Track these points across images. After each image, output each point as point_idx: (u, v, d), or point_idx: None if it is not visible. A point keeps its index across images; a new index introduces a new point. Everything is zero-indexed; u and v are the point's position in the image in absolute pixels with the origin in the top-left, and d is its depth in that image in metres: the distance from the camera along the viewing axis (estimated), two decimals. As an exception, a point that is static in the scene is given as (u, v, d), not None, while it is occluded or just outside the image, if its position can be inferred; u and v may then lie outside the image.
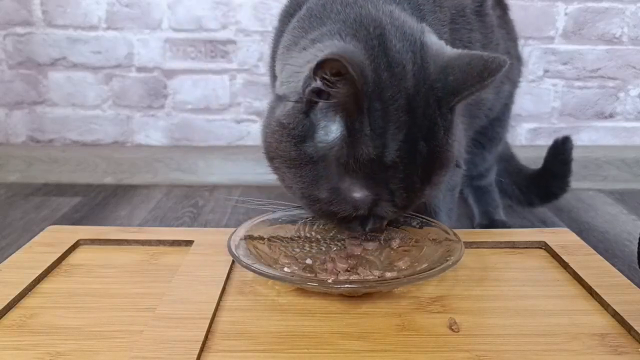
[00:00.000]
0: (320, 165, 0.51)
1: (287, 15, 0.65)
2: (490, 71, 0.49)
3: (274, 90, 0.72)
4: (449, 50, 0.53)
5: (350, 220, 0.55)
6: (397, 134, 0.49)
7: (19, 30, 1.24)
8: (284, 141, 0.52)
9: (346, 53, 0.46)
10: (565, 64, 1.27)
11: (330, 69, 0.46)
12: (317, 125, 0.50)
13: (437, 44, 0.54)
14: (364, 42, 0.51)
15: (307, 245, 0.63)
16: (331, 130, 0.50)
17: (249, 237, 0.60)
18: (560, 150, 0.94)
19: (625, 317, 0.48)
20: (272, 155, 0.55)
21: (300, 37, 0.57)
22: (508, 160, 1.02)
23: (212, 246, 0.63)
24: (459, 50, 0.53)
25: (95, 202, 1.11)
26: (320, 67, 0.46)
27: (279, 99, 0.55)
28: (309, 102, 0.50)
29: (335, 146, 0.49)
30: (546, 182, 0.97)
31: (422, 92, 0.50)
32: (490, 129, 0.86)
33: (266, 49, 1.25)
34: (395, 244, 0.61)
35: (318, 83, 0.47)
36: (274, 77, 0.70)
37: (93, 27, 1.24)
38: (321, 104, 0.49)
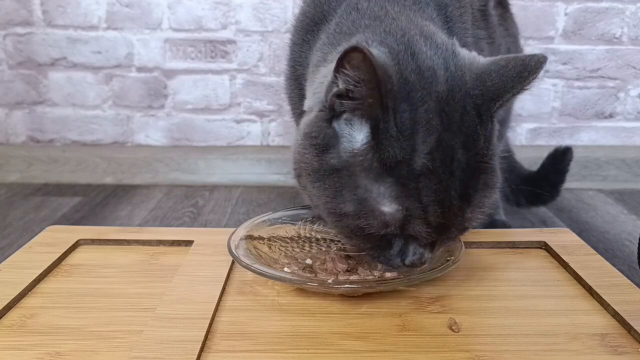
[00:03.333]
0: (345, 175, 0.47)
1: (311, 24, 0.63)
2: (531, 69, 0.47)
3: (292, 101, 0.71)
4: (482, 59, 0.51)
5: (385, 247, 0.50)
6: (428, 138, 0.46)
7: (19, 30, 1.24)
8: (307, 153, 0.50)
9: (368, 46, 0.45)
10: (565, 64, 1.27)
11: (351, 62, 0.44)
12: (341, 133, 0.48)
13: (469, 54, 0.52)
14: (390, 47, 0.49)
15: (307, 245, 0.63)
16: (356, 137, 0.47)
17: (249, 237, 0.60)
18: (560, 160, 0.94)
19: (625, 317, 0.48)
20: (299, 171, 0.52)
21: (329, 52, 0.56)
22: (505, 157, 1.02)
23: (212, 246, 0.63)
24: (492, 57, 0.51)
25: (95, 202, 1.11)
26: (342, 61, 0.44)
27: (306, 113, 0.54)
28: (332, 109, 0.48)
29: (360, 153, 0.47)
30: (538, 186, 0.97)
31: (457, 98, 0.48)
32: None
33: (266, 49, 1.25)
34: None
35: (340, 84, 0.46)
36: (295, 88, 0.68)
37: (93, 27, 1.24)
38: (346, 114, 0.48)
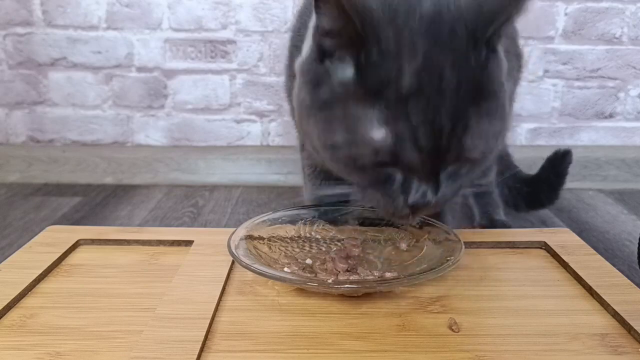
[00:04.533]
0: (336, 107, 0.48)
1: (302, 25, 0.65)
2: None
3: (288, 88, 0.72)
4: None
5: (383, 182, 0.49)
6: (413, 58, 0.46)
7: (19, 30, 1.24)
8: (301, 90, 0.51)
9: None
10: (565, 64, 1.27)
11: (325, 2, 0.45)
12: (331, 69, 0.49)
13: None
14: None
15: (307, 245, 0.63)
16: (345, 70, 0.48)
17: (249, 237, 0.60)
18: (559, 162, 0.94)
19: (625, 317, 0.48)
20: (296, 112, 0.54)
21: None
22: (503, 158, 1.02)
23: (212, 246, 0.63)
24: None
25: (95, 202, 1.11)
26: (317, 2, 0.46)
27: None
28: (321, 47, 0.49)
29: (349, 84, 0.48)
30: (537, 189, 0.97)
31: (445, 19, 0.47)
32: None
33: (266, 49, 1.25)
34: (403, 245, 0.61)
35: (322, 22, 0.48)
36: (291, 76, 0.69)
37: (93, 27, 1.24)
38: (335, 51, 0.49)
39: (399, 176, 0.49)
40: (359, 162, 0.48)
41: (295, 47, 0.67)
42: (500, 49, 0.52)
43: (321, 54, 0.50)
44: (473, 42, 0.48)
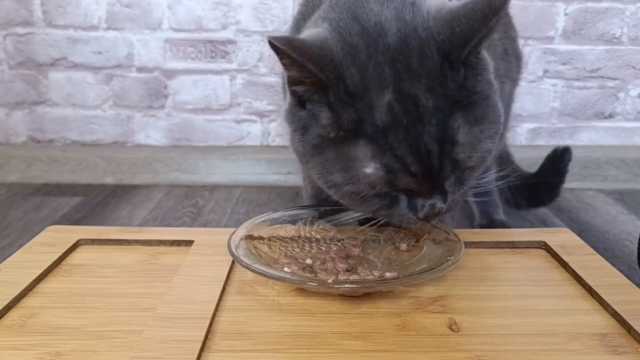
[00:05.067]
0: (325, 150, 0.50)
1: (301, 19, 0.65)
2: (494, 9, 0.45)
3: (284, 94, 0.73)
4: (452, 4, 0.50)
5: (391, 205, 0.51)
6: (382, 93, 0.47)
7: (19, 30, 1.24)
8: (293, 139, 0.53)
9: (277, 36, 0.46)
10: (565, 64, 1.27)
11: (278, 53, 0.46)
12: (313, 113, 0.50)
13: (437, 2, 0.52)
14: (331, 20, 0.51)
15: (307, 245, 0.63)
16: (322, 114, 0.49)
17: (249, 237, 0.60)
18: (559, 160, 0.94)
19: (625, 317, 0.48)
20: (299, 161, 0.55)
21: None
22: (503, 159, 1.02)
23: (212, 246, 0.63)
24: (463, 1, 0.50)
25: (95, 202, 1.11)
26: (275, 53, 0.47)
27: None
28: (296, 95, 0.51)
29: (329, 127, 0.49)
30: (537, 187, 0.97)
31: (412, 46, 0.48)
32: None
33: (266, 49, 1.25)
34: (403, 246, 0.61)
35: (289, 71, 0.49)
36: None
37: (93, 27, 1.24)
38: (311, 96, 0.50)
39: (403, 197, 0.51)
40: (361, 195, 0.50)
41: None
42: (484, 52, 0.52)
43: (300, 101, 0.51)
44: (448, 63, 0.48)
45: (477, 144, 0.49)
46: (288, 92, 0.54)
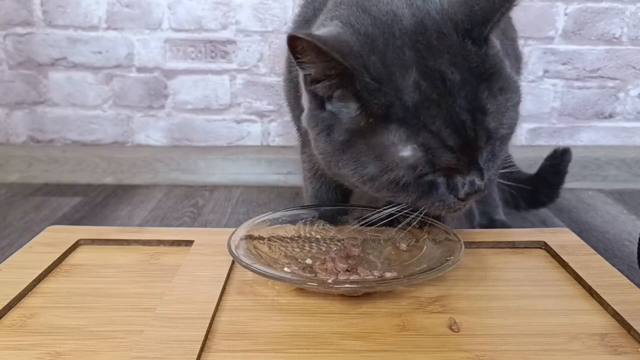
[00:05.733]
0: (356, 144, 0.50)
1: (303, 23, 0.65)
2: None
3: (289, 102, 0.72)
4: None
5: (431, 191, 0.51)
6: (407, 73, 0.47)
7: (19, 30, 1.24)
8: (319, 143, 0.53)
9: (298, 32, 0.47)
10: (565, 64, 1.27)
11: (296, 49, 0.47)
12: (336, 112, 0.50)
13: None
14: (340, 17, 0.52)
15: (307, 245, 0.63)
16: (349, 108, 0.49)
17: (249, 237, 0.60)
18: (558, 161, 0.94)
19: (625, 317, 0.48)
20: (326, 165, 0.55)
21: None
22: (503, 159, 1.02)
23: (212, 246, 0.63)
24: None
25: (95, 202, 1.11)
26: (291, 52, 0.47)
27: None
28: (316, 96, 0.51)
29: (358, 119, 0.49)
30: (537, 188, 0.97)
31: (429, 27, 0.49)
32: None
33: (266, 49, 1.25)
34: (403, 246, 0.61)
35: (306, 72, 0.49)
36: (292, 89, 0.69)
37: (93, 27, 1.24)
38: (333, 94, 0.50)
39: (441, 179, 0.51)
40: (401, 183, 0.49)
41: (292, 64, 0.67)
42: (494, 40, 0.53)
43: (320, 102, 0.51)
44: (471, 40, 0.49)
45: (505, 111, 0.49)
46: (306, 97, 0.54)
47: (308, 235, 0.64)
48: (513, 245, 0.66)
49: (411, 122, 0.47)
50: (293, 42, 0.46)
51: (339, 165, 0.52)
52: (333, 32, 0.50)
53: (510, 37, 0.85)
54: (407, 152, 0.48)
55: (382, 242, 0.63)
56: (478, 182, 0.50)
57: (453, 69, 0.48)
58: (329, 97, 0.51)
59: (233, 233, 0.59)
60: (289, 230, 0.64)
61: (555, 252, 0.62)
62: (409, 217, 0.64)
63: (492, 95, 0.49)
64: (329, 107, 0.51)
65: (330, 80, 0.49)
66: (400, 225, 0.62)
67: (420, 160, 0.48)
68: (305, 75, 0.51)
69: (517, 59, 0.89)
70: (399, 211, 0.55)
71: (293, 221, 0.66)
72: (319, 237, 0.64)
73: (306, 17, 0.65)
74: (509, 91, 0.50)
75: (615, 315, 0.50)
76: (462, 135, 0.47)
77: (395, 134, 0.48)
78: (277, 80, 1.26)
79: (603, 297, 0.52)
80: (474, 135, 0.48)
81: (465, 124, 0.47)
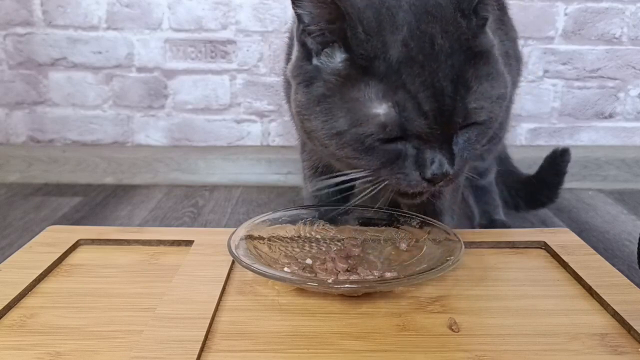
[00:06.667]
0: (332, 96, 0.50)
1: None
2: None
3: (286, 95, 0.73)
4: None
5: (396, 160, 0.49)
6: (398, 30, 0.48)
7: (19, 30, 1.24)
8: (297, 93, 0.53)
9: None
10: (565, 64, 1.27)
11: None
12: (320, 65, 0.51)
13: None
14: None
15: (307, 245, 0.63)
16: (334, 59, 0.50)
17: (249, 237, 0.60)
18: (558, 161, 0.94)
19: (625, 317, 0.48)
20: (297, 119, 0.54)
21: None
22: (502, 160, 1.02)
23: (212, 246, 0.63)
24: None
25: (95, 202, 1.11)
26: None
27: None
28: (305, 46, 0.52)
29: (340, 70, 0.49)
30: (537, 189, 0.97)
31: None
32: None
33: (266, 49, 1.26)
34: (403, 246, 0.61)
35: (304, 20, 0.50)
36: (288, 82, 0.70)
37: (93, 27, 1.24)
38: (320, 47, 0.51)
39: (411, 150, 0.49)
40: (367, 142, 0.48)
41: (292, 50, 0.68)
42: (488, 30, 0.53)
43: (308, 54, 0.52)
44: (460, 12, 0.49)
45: (489, 98, 0.49)
46: (295, 48, 0.54)
47: (308, 235, 0.64)
48: (513, 245, 0.66)
49: (391, 79, 0.47)
50: None
51: (311, 119, 0.51)
52: None
53: (511, 38, 0.85)
54: (380, 109, 0.47)
55: (382, 242, 0.63)
56: (447, 165, 0.48)
57: (444, 35, 0.47)
58: (318, 51, 0.51)
59: (233, 233, 0.59)
60: (289, 230, 0.64)
61: (555, 252, 0.62)
62: (409, 217, 0.64)
63: (478, 76, 0.48)
64: (315, 61, 0.52)
65: (323, 31, 0.50)
66: (357, 199, 0.59)
67: (392, 119, 0.46)
68: (299, 25, 0.51)
69: (517, 59, 0.89)
70: (361, 177, 0.53)
71: (293, 221, 0.66)
72: (319, 237, 0.64)
73: None
74: (497, 81, 0.50)
75: (615, 315, 0.50)
76: (440, 101, 0.46)
77: (373, 89, 0.47)
78: (277, 80, 1.26)
79: (603, 297, 0.52)
80: (451, 106, 0.47)
81: (445, 91, 0.46)
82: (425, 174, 0.49)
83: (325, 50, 0.51)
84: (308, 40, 0.52)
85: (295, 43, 0.55)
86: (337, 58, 0.50)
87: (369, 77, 0.47)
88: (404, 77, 0.46)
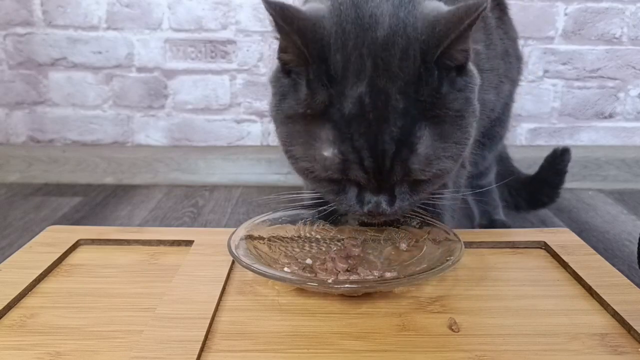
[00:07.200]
0: (295, 122, 0.51)
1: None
2: (470, 12, 0.47)
3: None
4: (446, 8, 0.52)
5: (340, 192, 0.53)
6: (357, 84, 0.48)
7: (19, 30, 1.24)
8: (272, 101, 0.54)
9: (275, 2, 0.47)
10: (565, 64, 1.27)
11: (275, 17, 0.47)
12: (294, 83, 0.51)
13: (436, 3, 0.53)
14: (333, 1, 0.52)
15: (307, 245, 0.63)
16: (300, 88, 0.50)
17: (249, 237, 0.60)
18: (558, 160, 0.94)
19: (625, 317, 0.48)
20: (274, 123, 0.56)
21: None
22: (502, 160, 1.02)
23: (212, 246, 0.63)
24: (454, 6, 0.51)
25: (95, 202, 1.11)
26: (272, 17, 0.47)
27: None
28: (280, 60, 0.52)
29: (303, 102, 0.50)
30: (537, 189, 0.97)
31: (398, 44, 0.49)
32: (490, 129, 0.86)
33: (266, 49, 1.26)
34: (403, 246, 0.61)
35: (280, 38, 0.49)
36: None
37: (93, 27, 1.24)
38: (294, 67, 0.51)
39: (353, 188, 0.52)
40: (314, 174, 0.51)
41: None
42: (472, 66, 0.53)
43: (285, 68, 0.52)
44: (424, 64, 0.48)
45: (435, 160, 0.49)
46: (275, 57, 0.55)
47: (308, 235, 0.64)
48: (513, 245, 0.66)
49: (342, 129, 0.48)
50: (267, 5, 0.47)
51: (278, 131, 0.54)
52: (319, 13, 0.51)
53: (511, 37, 0.86)
54: (327, 152, 0.49)
55: (382, 242, 0.63)
56: (385, 206, 0.51)
57: (400, 96, 0.48)
58: (293, 68, 0.51)
59: (233, 233, 0.59)
60: (289, 230, 0.64)
61: (555, 252, 0.62)
62: (409, 217, 0.64)
63: (430, 137, 0.48)
64: (292, 76, 0.51)
65: (291, 56, 0.50)
66: (306, 216, 0.65)
67: (335, 165, 0.49)
68: (279, 39, 0.51)
69: (517, 58, 0.89)
70: (317, 198, 0.58)
71: (293, 221, 0.66)
72: (319, 237, 0.64)
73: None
74: (451, 141, 0.50)
75: (615, 315, 0.50)
76: (380, 162, 0.48)
77: (325, 133, 0.49)
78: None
79: (603, 297, 0.52)
80: (389, 168, 0.48)
81: (386, 153, 0.48)
82: (362, 210, 0.52)
83: (295, 72, 0.51)
84: (283, 56, 0.51)
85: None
86: (303, 90, 0.50)
87: (325, 119, 0.49)
88: (352, 130, 0.48)
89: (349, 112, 0.48)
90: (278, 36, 0.50)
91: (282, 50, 0.51)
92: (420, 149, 0.48)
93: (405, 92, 0.48)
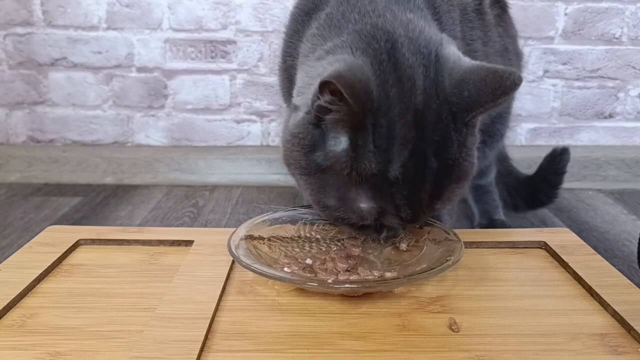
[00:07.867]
0: (329, 174, 0.51)
1: (302, 14, 0.65)
2: (504, 89, 0.48)
3: (283, 91, 0.73)
4: (465, 63, 0.53)
5: (363, 227, 0.55)
6: (402, 151, 0.49)
7: (19, 30, 1.24)
8: (295, 150, 0.53)
9: (344, 75, 0.47)
10: (565, 64, 1.27)
11: (329, 91, 0.47)
12: (326, 136, 0.51)
13: (454, 55, 0.53)
14: (373, 57, 0.51)
15: (307, 245, 0.63)
16: (339, 142, 0.50)
17: (249, 237, 0.60)
18: (557, 160, 0.94)
19: (625, 317, 0.48)
20: (287, 162, 0.56)
21: (318, 45, 0.58)
22: (501, 160, 1.02)
23: (212, 246, 0.63)
24: (476, 63, 0.52)
25: (96, 202, 1.11)
26: (321, 88, 0.47)
27: (294, 108, 0.56)
28: (317, 116, 0.50)
29: (342, 158, 0.49)
30: (536, 188, 0.97)
31: (433, 108, 0.50)
32: (491, 126, 0.86)
33: (266, 49, 1.26)
34: (403, 246, 0.61)
35: (322, 101, 0.48)
36: (286, 79, 0.70)
37: (93, 27, 1.24)
38: (330, 122, 0.50)
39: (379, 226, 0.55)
40: (347, 222, 0.54)
41: (288, 54, 0.68)
42: (477, 124, 0.55)
43: (318, 119, 0.51)
44: (454, 124, 0.51)
45: (453, 198, 0.54)
46: (304, 103, 0.53)
47: (308, 235, 0.64)
48: (513, 245, 0.66)
49: (382, 189, 0.50)
50: (331, 84, 0.46)
51: (303, 179, 0.54)
52: (364, 74, 0.49)
53: (511, 35, 0.86)
54: (365, 205, 0.51)
55: (382, 242, 0.63)
56: (400, 231, 0.56)
57: (435, 158, 0.50)
58: (325, 120, 0.50)
59: (233, 233, 0.59)
60: (289, 230, 0.64)
61: (555, 252, 0.62)
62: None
63: (451, 183, 0.52)
64: (323, 126, 0.50)
65: (339, 116, 0.48)
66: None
67: (372, 215, 0.52)
68: (317, 98, 0.49)
69: (517, 55, 0.89)
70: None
71: (293, 221, 0.66)
72: (319, 237, 0.64)
73: (306, 10, 0.65)
74: (465, 179, 0.53)
75: (615, 315, 0.50)
76: (415, 212, 0.52)
77: (364, 192, 0.50)
78: (277, 80, 1.26)
79: (603, 297, 0.52)
80: (424, 213, 0.53)
81: (422, 204, 0.52)
82: (380, 236, 0.56)
83: (332, 125, 0.50)
84: (325, 117, 0.50)
85: (307, 101, 0.52)
86: (342, 144, 0.50)
87: (363, 181, 0.50)
88: (393, 191, 0.50)
89: (394, 178, 0.49)
90: (324, 101, 0.48)
91: (325, 111, 0.49)
92: (444, 194, 0.52)
93: (439, 153, 0.50)
